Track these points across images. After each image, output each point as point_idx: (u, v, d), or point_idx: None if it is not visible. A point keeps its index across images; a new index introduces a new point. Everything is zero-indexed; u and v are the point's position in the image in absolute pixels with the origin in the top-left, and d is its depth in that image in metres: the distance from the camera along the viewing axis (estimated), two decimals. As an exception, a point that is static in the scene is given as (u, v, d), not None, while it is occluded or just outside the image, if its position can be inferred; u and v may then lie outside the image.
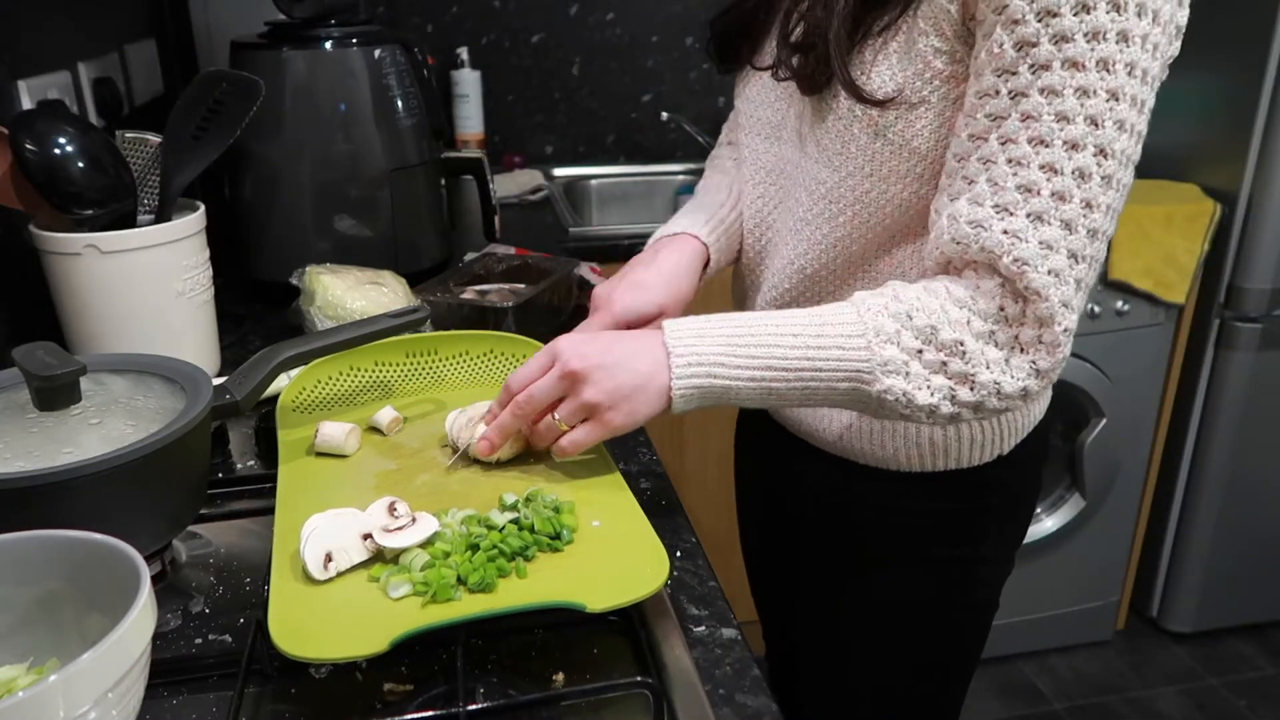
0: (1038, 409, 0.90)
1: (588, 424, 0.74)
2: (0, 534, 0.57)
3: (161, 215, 1.05)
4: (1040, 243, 0.66)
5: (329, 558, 0.66)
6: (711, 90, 2.37)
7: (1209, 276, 1.98)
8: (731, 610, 0.73)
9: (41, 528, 0.57)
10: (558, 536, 0.69)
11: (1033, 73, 0.65)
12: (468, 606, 0.63)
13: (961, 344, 0.69)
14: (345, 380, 0.93)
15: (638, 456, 0.93)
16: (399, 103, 1.35)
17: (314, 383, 0.92)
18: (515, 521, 0.70)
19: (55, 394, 0.71)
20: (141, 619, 0.50)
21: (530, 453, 0.82)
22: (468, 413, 0.83)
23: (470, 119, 2.19)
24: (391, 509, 0.70)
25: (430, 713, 0.60)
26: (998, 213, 0.67)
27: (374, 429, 0.88)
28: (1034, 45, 0.64)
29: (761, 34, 0.89)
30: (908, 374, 0.69)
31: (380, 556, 0.68)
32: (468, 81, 2.17)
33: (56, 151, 0.95)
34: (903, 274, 0.81)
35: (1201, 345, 2.03)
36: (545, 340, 0.84)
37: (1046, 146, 0.66)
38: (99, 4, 1.40)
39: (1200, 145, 1.99)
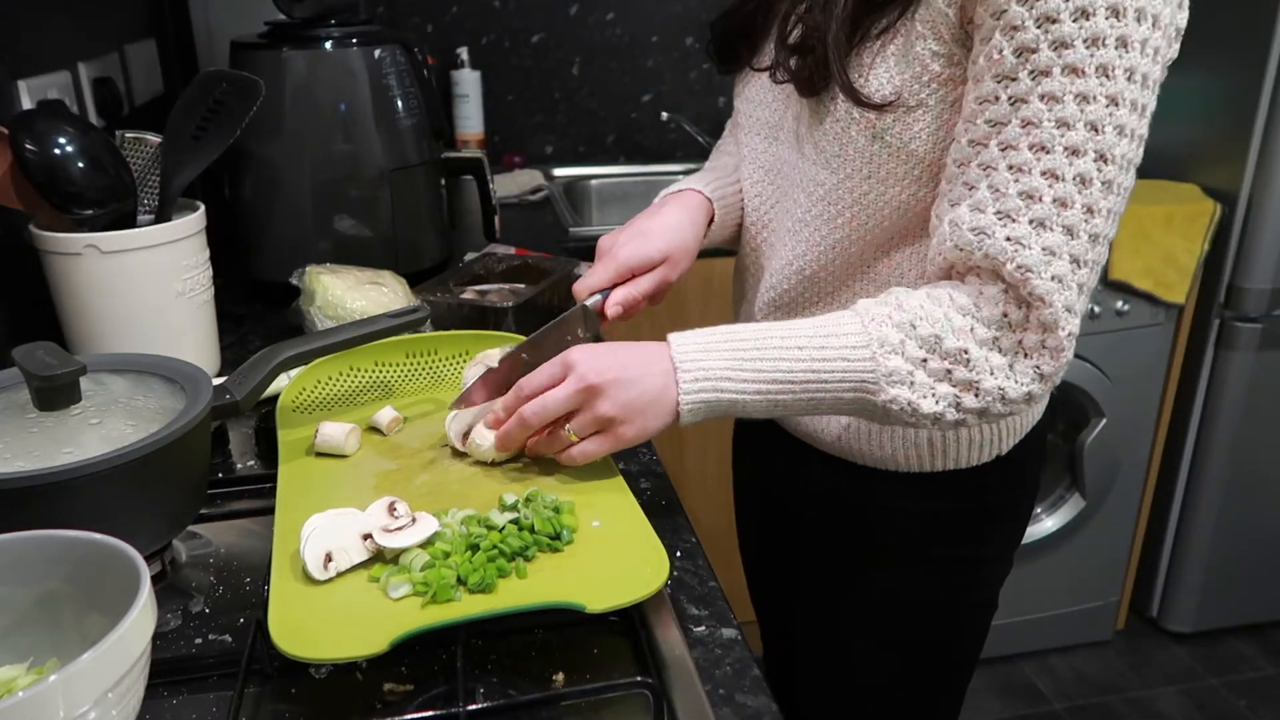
0: (1036, 409, 0.91)
1: (599, 436, 0.74)
2: (0, 534, 0.57)
3: (161, 215, 1.05)
4: (1043, 249, 0.66)
5: (329, 558, 0.66)
6: (711, 90, 2.37)
7: (1209, 276, 1.98)
8: (731, 610, 0.73)
9: (41, 528, 0.57)
10: (558, 537, 0.69)
11: (1032, 79, 0.65)
12: (468, 607, 0.63)
13: (965, 352, 0.69)
14: (345, 380, 0.94)
15: (638, 456, 0.93)
16: (399, 103, 1.35)
17: (314, 383, 0.92)
18: (515, 522, 0.70)
19: (55, 394, 0.71)
20: (141, 619, 0.50)
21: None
22: (468, 414, 0.83)
23: (470, 119, 2.19)
24: (391, 509, 0.70)
25: (430, 713, 0.61)
26: (1000, 219, 0.67)
27: (374, 429, 0.88)
28: (1033, 51, 0.64)
29: (760, 36, 0.89)
30: (912, 383, 0.69)
31: (380, 556, 0.68)
32: (468, 81, 2.17)
33: (56, 151, 0.95)
34: (901, 275, 0.81)
35: (1201, 345, 2.03)
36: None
37: (1047, 153, 0.66)
38: (99, 4, 1.40)
39: (1200, 145, 1.99)
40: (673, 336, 0.74)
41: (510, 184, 2.05)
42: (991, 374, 0.69)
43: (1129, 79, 0.64)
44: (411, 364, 0.96)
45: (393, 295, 1.18)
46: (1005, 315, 0.69)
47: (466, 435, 0.81)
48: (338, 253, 1.33)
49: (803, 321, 0.73)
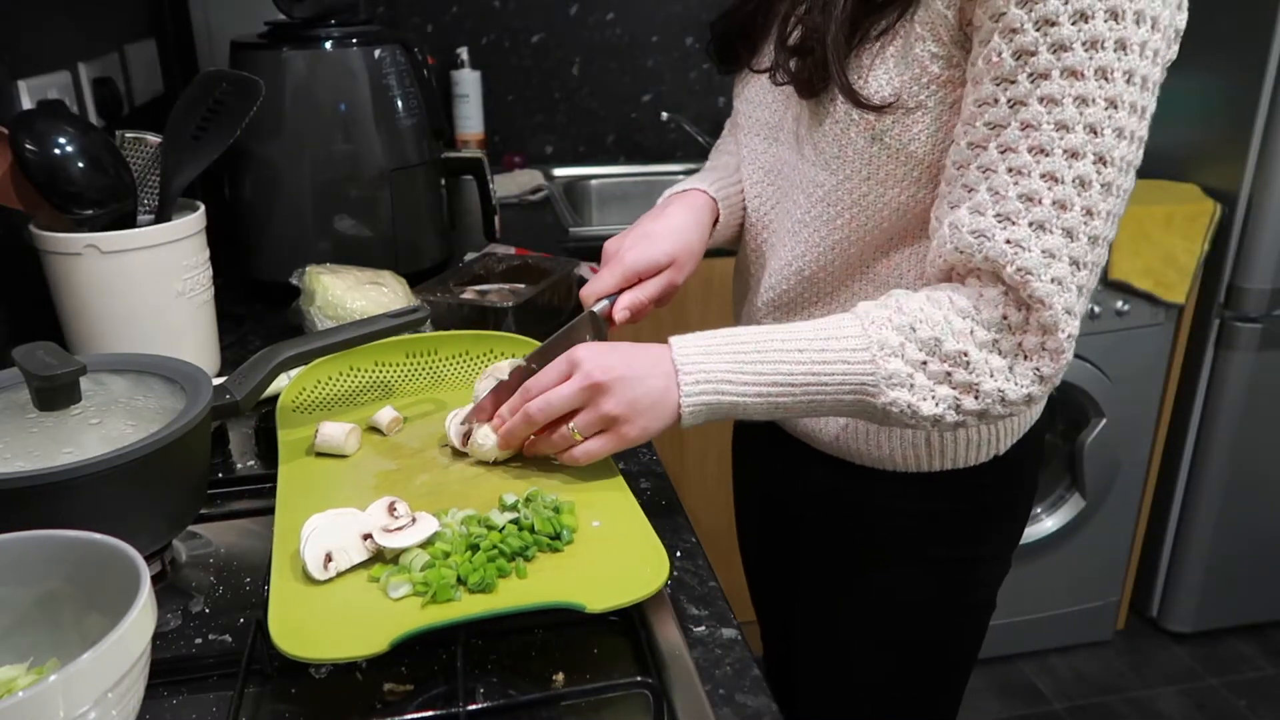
0: (1035, 410, 0.91)
1: (603, 435, 0.74)
2: (0, 534, 0.57)
3: (161, 215, 1.05)
4: (1043, 251, 0.66)
5: (329, 558, 0.66)
6: (711, 90, 2.37)
7: (1209, 276, 1.98)
8: (731, 610, 0.73)
9: (41, 528, 0.57)
10: (558, 537, 0.69)
11: (1031, 82, 0.65)
12: (468, 607, 0.63)
13: (965, 354, 0.69)
14: (345, 380, 0.94)
15: (638, 456, 0.93)
16: (399, 103, 1.35)
17: (314, 383, 0.92)
18: (515, 521, 0.70)
19: (55, 394, 0.71)
20: (141, 619, 0.50)
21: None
22: (466, 412, 0.83)
23: (470, 119, 2.19)
24: (391, 509, 0.70)
25: (430, 713, 0.61)
26: (1000, 222, 0.67)
27: (374, 429, 0.88)
28: (1032, 54, 0.64)
29: (760, 37, 0.89)
30: (912, 386, 0.69)
31: (380, 556, 0.68)
32: (468, 81, 2.17)
33: (56, 151, 0.95)
34: (900, 276, 0.81)
35: (1201, 345, 2.03)
36: (544, 340, 0.84)
37: (1047, 155, 0.66)
38: (99, 4, 1.40)
39: (1200, 145, 1.99)
40: (674, 339, 0.74)
41: (510, 184, 2.05)
42: (991, 376, 0.69)
43: (1128, 81, 0.64)
44: (411, 364, 0.96)
45: (393, 295, 1.18)
46: (1005, 318, 0.69)
47: (467, 436, 0.81)
48: (338, 253, 1.33)
49: (803, 324, 0.73)
